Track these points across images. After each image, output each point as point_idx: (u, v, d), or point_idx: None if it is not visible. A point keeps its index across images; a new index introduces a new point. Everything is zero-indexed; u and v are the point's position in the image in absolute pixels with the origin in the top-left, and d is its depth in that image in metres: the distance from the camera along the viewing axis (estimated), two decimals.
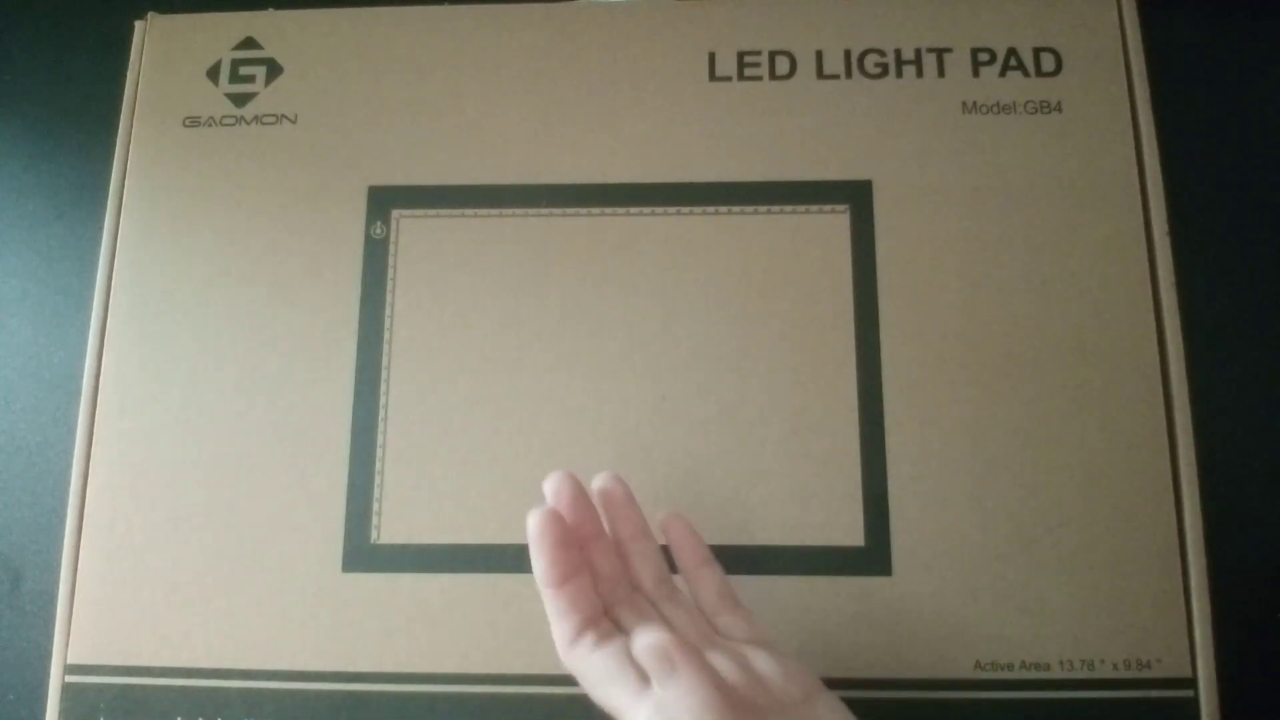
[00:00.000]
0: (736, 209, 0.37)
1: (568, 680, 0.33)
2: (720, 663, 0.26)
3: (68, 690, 0.34)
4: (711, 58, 0.39)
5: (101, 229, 0.38)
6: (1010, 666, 0.33)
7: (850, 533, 0.34)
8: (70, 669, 0.34)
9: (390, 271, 0.37)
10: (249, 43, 0.40)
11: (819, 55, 0.38)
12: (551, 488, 0.29)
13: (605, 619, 0.28)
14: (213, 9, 0.40)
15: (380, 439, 0.35)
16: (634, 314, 0.36)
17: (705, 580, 0.30)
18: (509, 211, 0.37)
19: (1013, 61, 0.38)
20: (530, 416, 0.35)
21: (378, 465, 0.35)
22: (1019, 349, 0.35)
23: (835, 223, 0.37)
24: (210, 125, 0.39)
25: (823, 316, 0.36)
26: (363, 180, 0.38)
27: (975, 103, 0.37)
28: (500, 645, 0.34)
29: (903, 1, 0.39)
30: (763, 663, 0.27)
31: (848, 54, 0.38)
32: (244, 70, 0.39)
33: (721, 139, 0.38)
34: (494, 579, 0.34)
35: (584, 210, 0.37)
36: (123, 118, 0.39)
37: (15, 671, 0.37)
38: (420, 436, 0.35)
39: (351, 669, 0.33)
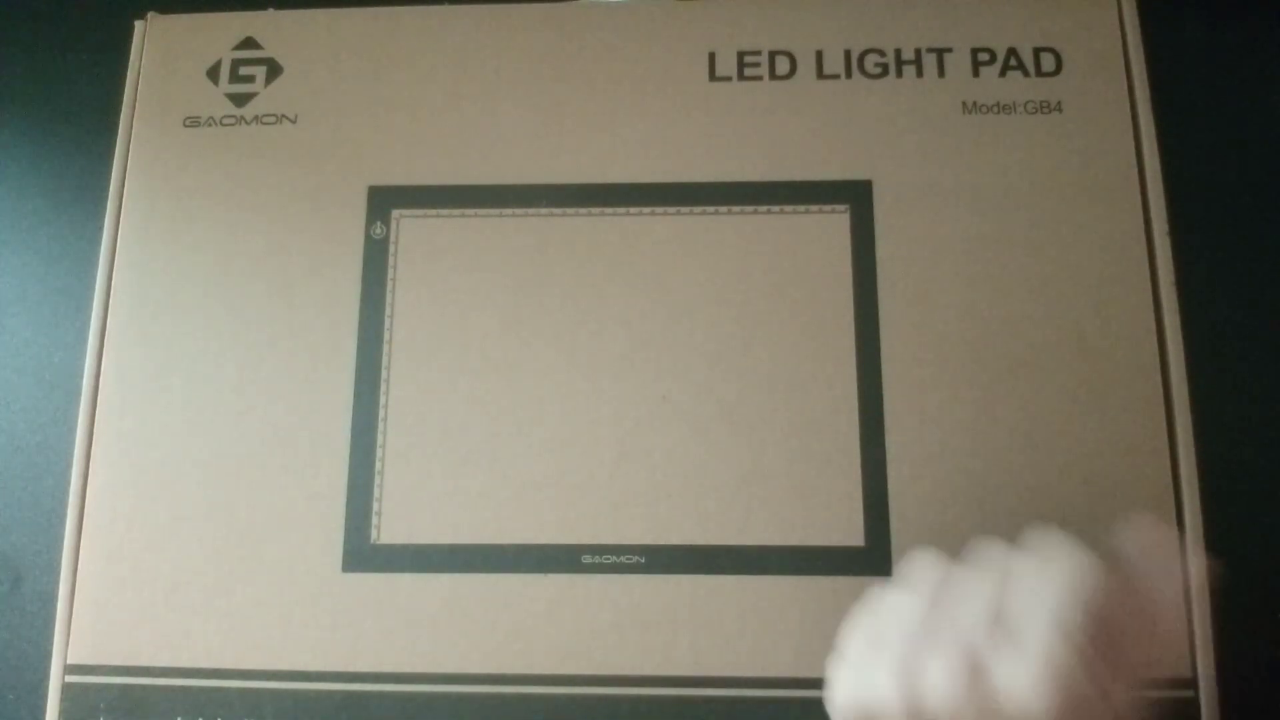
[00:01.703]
0: (736, 209, 0.37)
1: (568, 680, 0.33)
2: None
3: (68, 690, 0.34)
4: (711, 58, 0.39)
5: (101, 229, 0.38)
6: None
7: (850, 533, 0.34)
8: (70, 669, 0.34)
9: (390, 271, 0.37)
10: (249, 43, 0.40)
11: (819, 55, 0.38)
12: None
13: None
14: (213, 9, 0.40)
15: (380, 439, 0.35)
16: (634, 314, 0.36)
17: None
18: (509, 211, 0.37)
19: (1013, 61, 0.38)
20: (530, 416, 0.35)
21: (378, 465, 0.35)
22: (1019, 349, 0.35)
23: (835, 223, 0.37)
24: (210, 125, 0.39)
25: (823, 316, 0.36)
26: (363, 180, 0.38)
27: (975, 103, 0.37)
28: (500, 645, 0.34)
29: (903, 1, 0.39)
30: None
31: (848, 54, 0.38)
32: (244, 70, 0.39)
33: (721, 139, 0.38)
34: (494, 579, 0.34)
35: (584, 210, 0.37)
36: (123, 118, 0.39)
37: (15, 671, 0.37)
38: (420, 436, 0.35)
39: (351, 669, 0.33)
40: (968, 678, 0.24)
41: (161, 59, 0.40)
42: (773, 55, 0.38)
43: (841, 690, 0.26)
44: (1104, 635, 0.24)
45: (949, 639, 0.24)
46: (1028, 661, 0.23)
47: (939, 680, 0.24)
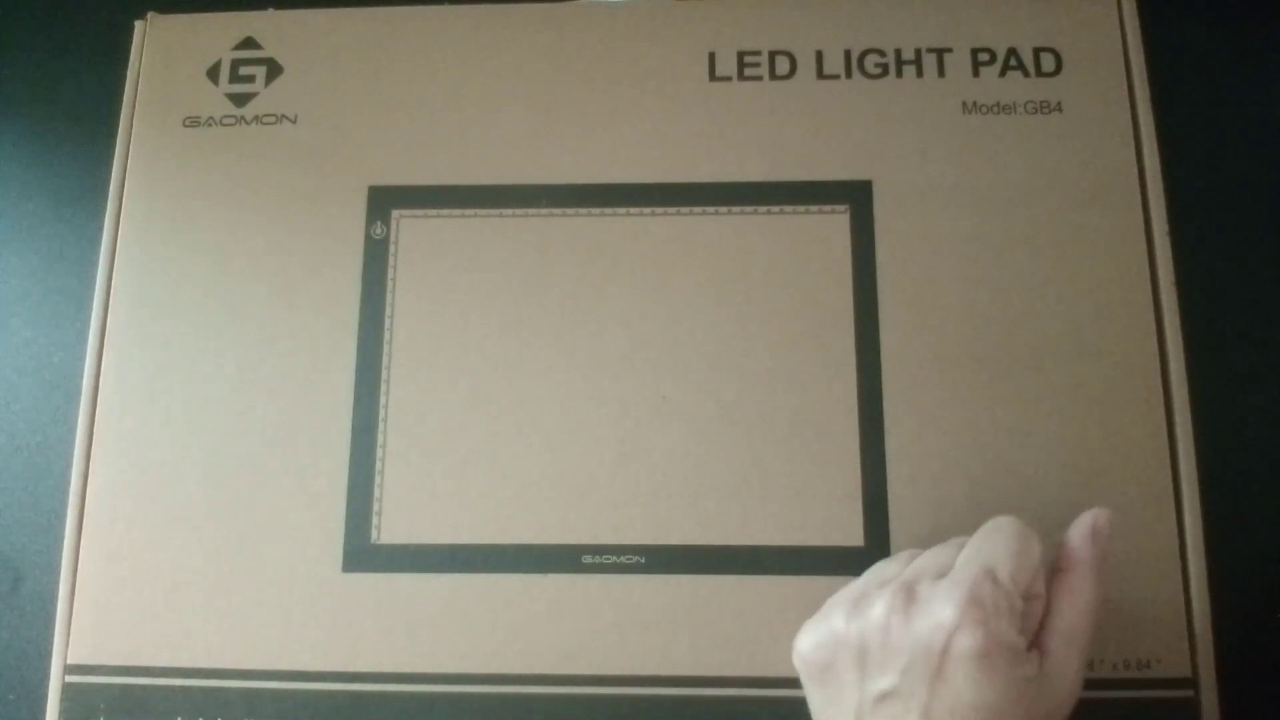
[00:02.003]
0: (736, 209, 0.37)
1: (568, 680, 0.33)
2: None
3: (68, 690, 0.34)
4: (711, 58, 0.39)
5: (101, 229, 0.38)
6: None
7: (850, 533, 0.34)
8: (70, 669, 0.34)
9: (390, 271, 0.37)
10: (249, 43, 0.40)
11: (819, 55, 0.38)
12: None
13: None
14: (213, 9, 0.40)
15: (380, 439, 0.35)
16: (634, 314, 0.36)
17: None
18: (509, 211, 0.37)
19: (1013, 61, 0.38)
20: (530, 416, 0.35)
21: (378, 465, 0.35)
22: (1019, 349, 0.35)
23: (835, 223, 0.37)
24: (210, 125, 0.39)
25: (823, 316, 0.36)
26: (363, 180, 0.38)
27: (975, 103, 0.37)
28: (500, 645, 0.34)
29: (903, 1, 0.39)
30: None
31: (848, 54, 0.38)
32: (244, 70, 0.39)
33: (721, 139, 0.38)
34: (494, 579, 0.34)
35: (584, 210, 0.37)
36: (123, 118, 0.39)
37: (15, 671, 0.37)
38: (420, 436, 0.35)
39: (351, 669, 0.33)
40: (902, 600, 0.27)
41: (161, 59, 0.40)
42: (773, 55, 0.38)
43: (803, 638, 0.29)
44: (1030, 583, 0.28)
45: (896, 582, 0.28)
46: (949, 582, 0.27)
47: (878, 606, 0.28)
